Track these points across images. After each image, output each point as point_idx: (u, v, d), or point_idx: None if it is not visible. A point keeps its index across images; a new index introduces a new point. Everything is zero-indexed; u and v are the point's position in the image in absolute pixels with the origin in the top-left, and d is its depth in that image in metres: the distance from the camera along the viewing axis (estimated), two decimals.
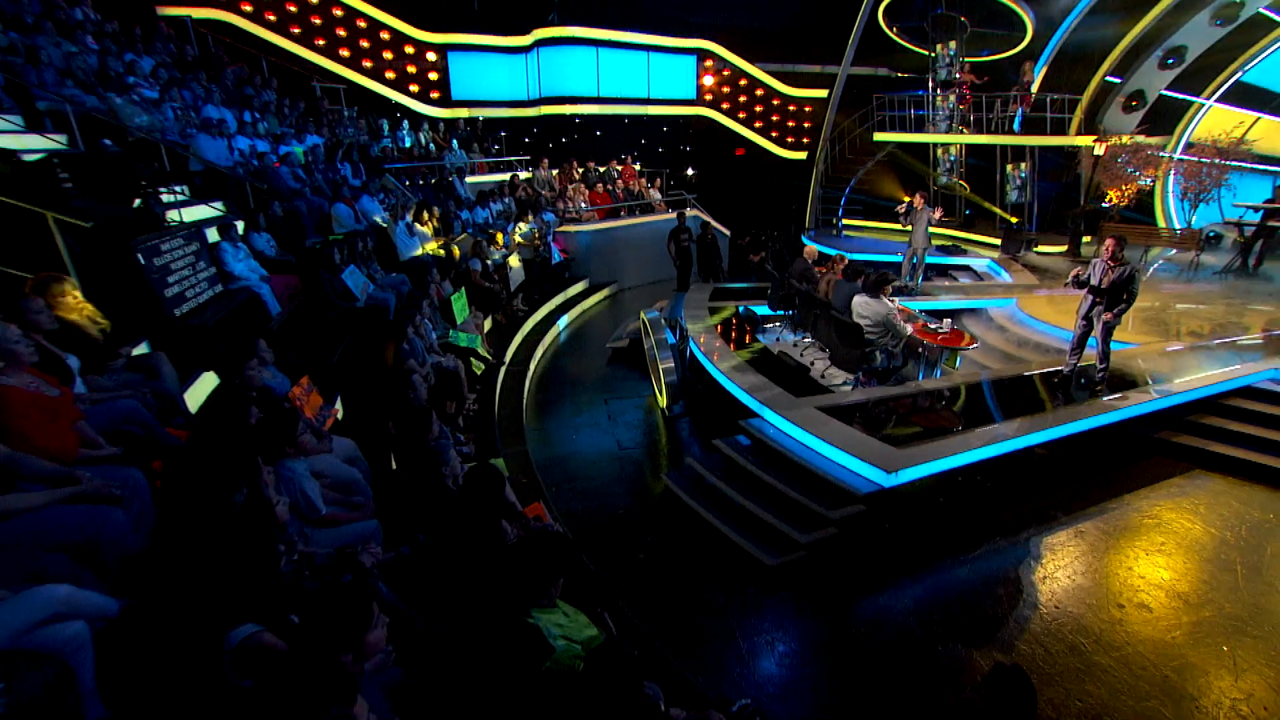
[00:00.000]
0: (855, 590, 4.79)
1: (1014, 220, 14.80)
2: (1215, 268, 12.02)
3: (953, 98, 15.25)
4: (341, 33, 13.55)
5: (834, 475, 5.17)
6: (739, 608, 4.63)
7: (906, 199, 10.26)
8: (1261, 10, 13.59)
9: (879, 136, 15.87)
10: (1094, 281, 6.32)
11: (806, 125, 17.87)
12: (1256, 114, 14.73)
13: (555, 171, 14.55)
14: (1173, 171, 14.10)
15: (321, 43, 13.28)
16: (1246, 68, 14.55)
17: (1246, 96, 14.84)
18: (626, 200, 14.74)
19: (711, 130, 17.79)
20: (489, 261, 9.82)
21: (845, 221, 16.92)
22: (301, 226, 8.27)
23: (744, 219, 15.75)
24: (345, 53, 13.70)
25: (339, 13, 13.44)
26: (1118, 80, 15.05)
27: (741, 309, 9.46)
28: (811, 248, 9.07)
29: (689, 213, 15.38)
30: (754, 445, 6.00)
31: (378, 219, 9.28)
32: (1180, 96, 15.09)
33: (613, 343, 10.04)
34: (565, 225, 13.53)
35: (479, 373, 7.90)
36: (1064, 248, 13.47)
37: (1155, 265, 12.75)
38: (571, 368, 9.67)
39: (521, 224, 11.53)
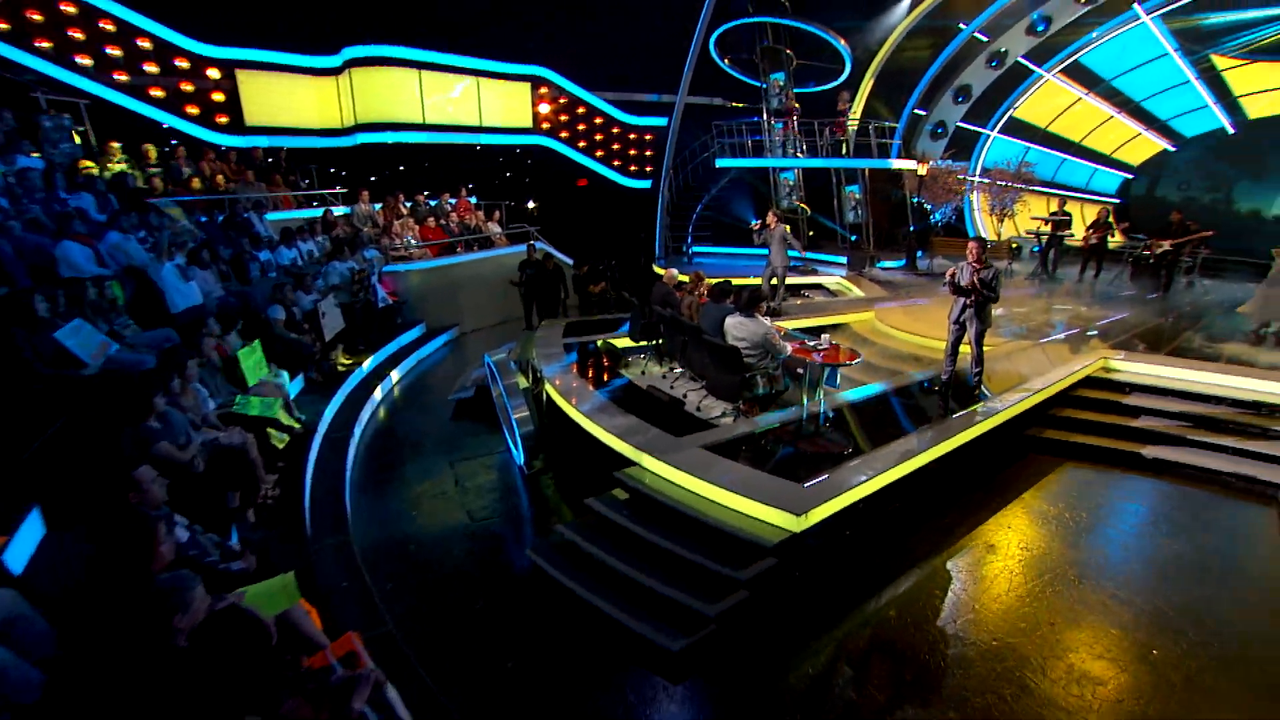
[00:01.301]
0: (781, 661, 4.03)
1: (854, 238, 15.81)
2: (1023, 274, 13.56)
3: (786, 125, 16.13)
4: (77, 35, 11.02)
5: (737, 527, 4.44)
6: (644, 716, 3.66)
7: (759, 219, 10.27)
8: (1019, 59, 16.07)
9: (721, 162, 16.30)
10: (962, 283, 6.39)
11: (649, 154, 17.99)
12: (1027, 144, 17.26)
13: (379, 206, 13.03)
14: (976, 191, 15.91)
15: (45, 45, 10.64)
16: (1016, 104, 17.06)
17: (1018, 129, 17.39)
18: (463, 235, 13.56)
19: (551, 160, 17.26)
20: (295, 308, 8.16)
21: (696, 248, 17.10)
22: (5, 273, 6.20)
23: (592, 250, 15.22)
24: (85, 60, 11.15)
25: (70, 9, 10.90)
26: (924, 112, 16.94)
27: (601, 342, 8.72)
28: (671, 271, 8.60)
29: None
30: (634, 500, 5.14)
31: (136, 261, 7.35)
32: (972, 128, 17.33)
33: (457, 394, 8.76)
34: (394, 264, 12.06)
35: (281, 446, 6.29)
36: (902, 263, 14.53)
37: None
38: (409, 427, 8.24)
39: (338, 263, 9.91)
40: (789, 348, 6.31)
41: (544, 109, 16.86)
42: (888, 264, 14.87)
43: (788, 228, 10.23)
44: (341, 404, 8.07)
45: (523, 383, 7.33)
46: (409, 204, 13.68)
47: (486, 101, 15.70)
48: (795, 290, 13.28)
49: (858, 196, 16.25)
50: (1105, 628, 4.20)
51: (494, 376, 7.52)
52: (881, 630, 4.30)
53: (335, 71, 14.13)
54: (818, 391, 6.79)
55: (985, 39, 15.63)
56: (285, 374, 7.46)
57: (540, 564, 4.90)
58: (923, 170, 13.70)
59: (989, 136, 17.34)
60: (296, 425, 6.80)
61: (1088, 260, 12.64)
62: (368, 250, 11.15)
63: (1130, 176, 16.78)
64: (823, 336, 6.94)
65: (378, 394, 8.89)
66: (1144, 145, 16.49)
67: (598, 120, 17.46)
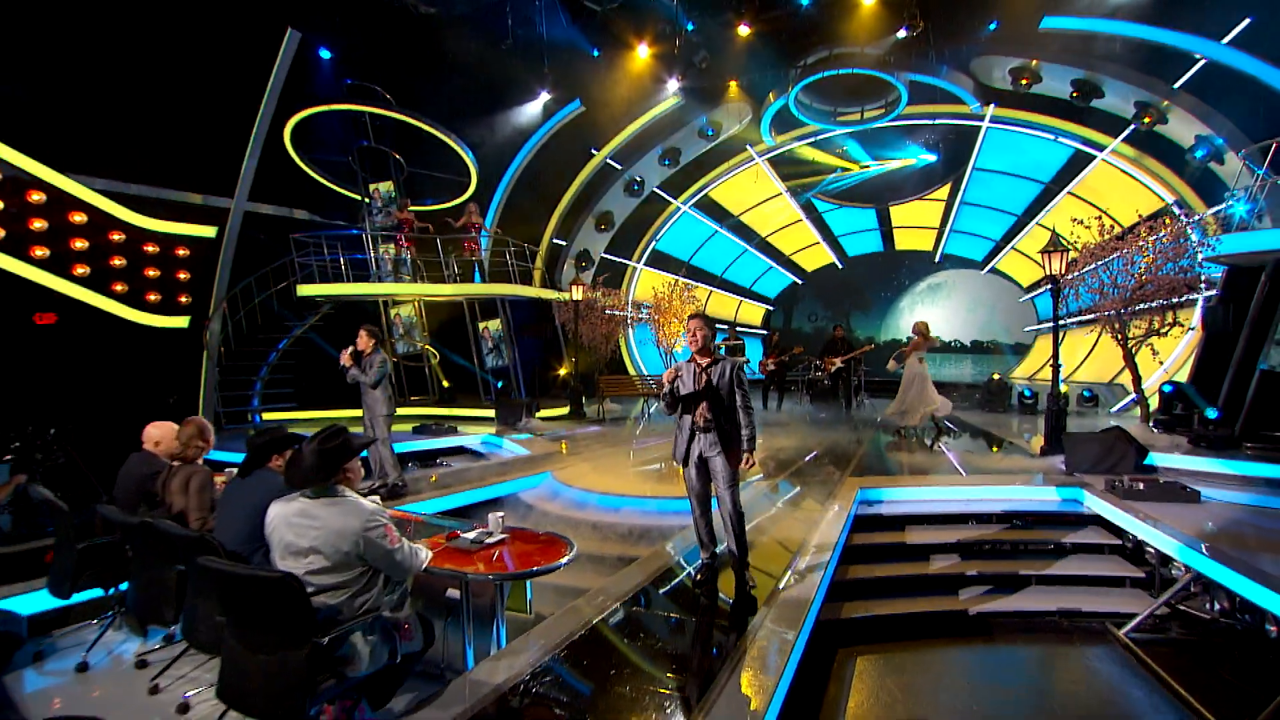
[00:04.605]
0: None
1: (500, 385, 13.85)
2: None
3: (394, 247, 13.96)
4: None
5: None
6: None
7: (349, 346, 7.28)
8: (655, 189, 17.38)
9: (304, 290, 12.98)
10: (684, 391, 4.32)
11: (184, 277, 13.50)
12: (673, 275, 18.39)
13: None
14: (632, 324, 15.81)
15: None
16: (657, 237, 18.25)
17: (661, 261, 18.53)
18: None
19: None
20: None
21: (268, 413, 12.96)
22: None
23: (68, 426, 9.94)
24: None
25: None
26: (564, 242, 16.76)
27: None
28: (163, 426, 4.78)
29: None
30: None
31: None
32: (618, 260, 17.81)
33: None
34: None
35: None
36: (566, 410, 12.92)
37: (650, 413, 13.18)
38: None
39: None
40: (425, 552, 3.22)
41: None
42: (550, 414, 13.15)
43: (387, 357, 7.55)
44: None
45: None
46: None
47: None
48: (429, 458, 10.37)
49: (499, 334, 14.63)
50: None
51: None
52: None
53: None
54: (496, 629, 3.75)
55: (619, 166, 16.45)
56: None
57: None
58: (579, 295, 12.72)
59: (637, 269, 18.00)
60: None
61: (768, 388, 12.87)
62: None
63: (770, 308, 19.02)
64: (492, 518, 4.05)
65: None
66: (777, 278, 19.01)
67: (77, 218, 12.38)
